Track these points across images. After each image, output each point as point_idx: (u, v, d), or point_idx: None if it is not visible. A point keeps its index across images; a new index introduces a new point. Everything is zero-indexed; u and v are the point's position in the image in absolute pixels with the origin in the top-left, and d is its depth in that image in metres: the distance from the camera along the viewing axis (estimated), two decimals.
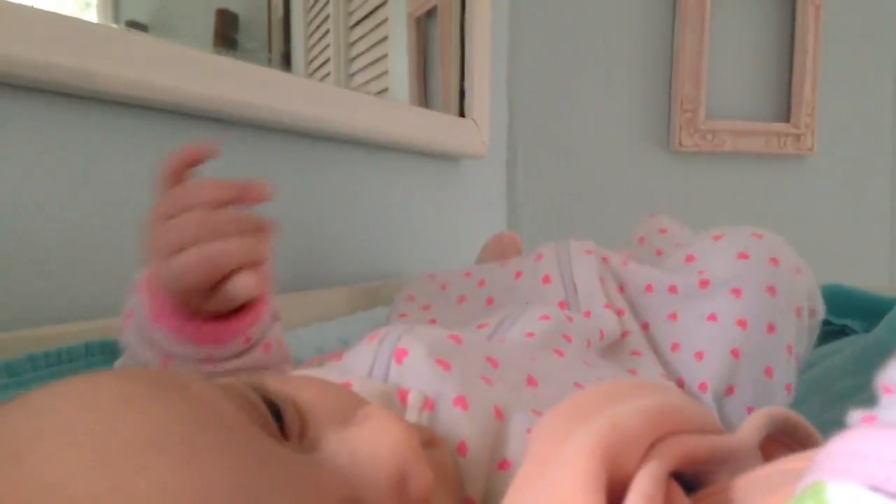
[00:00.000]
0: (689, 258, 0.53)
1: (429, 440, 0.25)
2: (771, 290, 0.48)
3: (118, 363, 0.43)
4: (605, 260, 0.58)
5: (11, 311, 0.51)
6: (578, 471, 0.16)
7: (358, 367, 0.32)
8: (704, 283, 0.50)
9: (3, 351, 0.45)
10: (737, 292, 0.48)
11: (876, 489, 0.12)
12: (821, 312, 0.53)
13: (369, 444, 0.21)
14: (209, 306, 0.36)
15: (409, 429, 0.22)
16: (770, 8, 1.38)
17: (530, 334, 0.42)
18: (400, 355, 0.32)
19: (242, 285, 0.34)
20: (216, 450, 0.18)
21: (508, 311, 0.47)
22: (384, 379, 0.31)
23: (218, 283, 0.35)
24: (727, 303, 0.48)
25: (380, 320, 0.75)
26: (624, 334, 0.51)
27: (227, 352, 0.39)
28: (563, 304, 0.54)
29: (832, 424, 0.20)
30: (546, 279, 0.56)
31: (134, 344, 0.39)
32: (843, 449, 0.13)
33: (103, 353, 0.50)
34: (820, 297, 0.53)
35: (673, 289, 0.52)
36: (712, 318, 0.49)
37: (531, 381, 0.34)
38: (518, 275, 0.59)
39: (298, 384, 0.25)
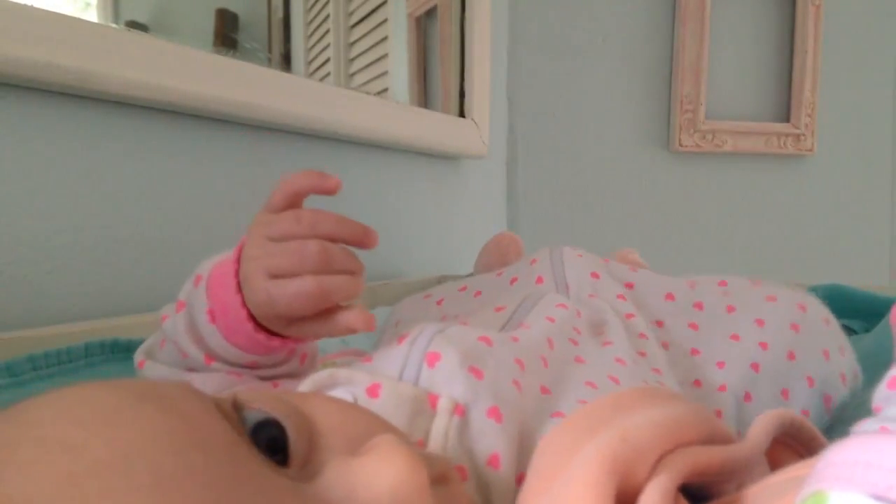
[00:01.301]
0: (726, 293, 0.55)
1: (442, 475, 0.23)
2: (794, 327, 0.50)
3: (146, 344, 0.42)
4: (605, 262, 0.58)
5: (11, 311, 0.51)
6: (587, 483, 0.16)
7: (388, 368, 0.31)
8: (731, 309, 0.52)
9: (3, 351, 0.45)
10: (760, 322, 0.50)
11: (878, 498, 0.12)
12: (859, 378, 0.54)
13: (369, 479, 0.20)
14: (291, 331, 0.37)
15: (417, 464, 0.20)
16: (770, 8, 1.38)
17: (551, 319, 0.42)
18: (432, 359, 0.31)
19: (351, 321, 0.36)
20: (187, 476, 0.17)
21: (526, 292, 0.46)
22: (415, 382, 0.30)
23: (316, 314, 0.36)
24: (751, 329, 0.50)
25: (380, 320, 0.75)
26: (628, 316, 0.52)
27: (270, 360, 0.39)
28: None
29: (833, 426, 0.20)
30: (539, 280, 0.57)
31: (180, 335, 0.39)
32: (845, 457, 0.13)
33: (103, 353, 0.50)
34: (856, 367, 0.54)
35: (699, 305, 0.53)
36: (735, 337, 0.50)
37: (544, 391, 0.34)
38: (514, 280, 0.59)
39: (318, 404, 0.24)
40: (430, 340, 0.32)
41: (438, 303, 0.62)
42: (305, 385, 0.31)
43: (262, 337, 0.37)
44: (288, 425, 0.21)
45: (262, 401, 0.22)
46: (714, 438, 0.20)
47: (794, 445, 0.22)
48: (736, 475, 0.19)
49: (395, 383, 0.30)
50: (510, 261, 0.85)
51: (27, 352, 0.46)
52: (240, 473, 0.18)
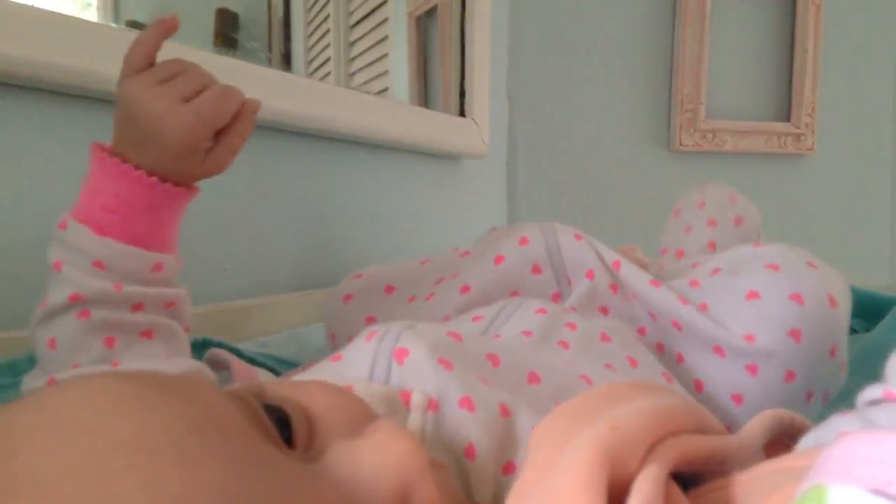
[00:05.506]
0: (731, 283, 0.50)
1: (436, 460, 0.25)
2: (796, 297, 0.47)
3: (31, 374, 0.42)
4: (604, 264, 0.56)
5: (12, 311, 0.51)
6: (579, 474, 0.16)
7: (358, 367, 0.31)
8: (750, 338, 0.46)
9: (3, 350, 0.45)
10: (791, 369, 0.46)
11: (877, 492, 0.12)
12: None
13: (374, 458, 0.21)
14: (215, 153, 0.44)
15: (418, 445, 0.22)
16: (770, 8, 1.38)
17: (527, 333, 0.41)
18: (401, 355, 0.31)
19: (253, 105, 0.44)
20: (209, 453, 0.18)
21: (504, 302, 0.46)
22: (385, 380, 0.30)
23: (215, 139, 0.43)
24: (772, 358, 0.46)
25: None
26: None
27: (167, 271, 0.43)
28: (557, 296, 0.53)
29: None
30: (536, 269, 0.54)
31: (76, 278, 0.40)
32: (844, 452, 0.13)
33: None
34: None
35: (718, 350, 0.47)
36: (752, 369, 0.46)
37: (533, 378, 0.34)
38: (499, 259, 0.54)
39: (313, 391, 0.24)
40: (398, 337, 0.32)
41: (411, 298, 0.58)
42: None
43: (168, 185, 0.42)
44: (291, 411, 0.22)
45: (269, 394, 0.23)
46: (705, 429, 0.20)
47: (793, 446, 0.22)
48: (728, 465, 0.19)
49: (366, 384, 0.30)
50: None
51: (28, 351, 0.46)
52: (256, 456, 0.19)
